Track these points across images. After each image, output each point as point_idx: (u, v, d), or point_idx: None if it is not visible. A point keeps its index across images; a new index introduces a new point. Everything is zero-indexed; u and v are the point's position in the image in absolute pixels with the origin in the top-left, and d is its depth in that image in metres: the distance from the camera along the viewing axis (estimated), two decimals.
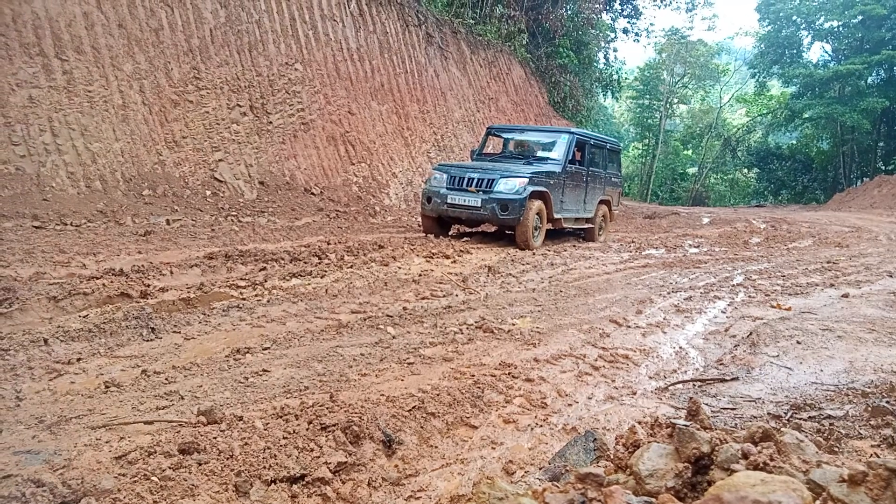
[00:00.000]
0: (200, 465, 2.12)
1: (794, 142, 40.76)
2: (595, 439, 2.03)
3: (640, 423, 1.83)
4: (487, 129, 11.77)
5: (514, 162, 10.27)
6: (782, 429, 1.56)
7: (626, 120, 48.85)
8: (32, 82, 8.37)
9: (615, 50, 30.28)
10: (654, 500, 1.28)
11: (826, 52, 36.64)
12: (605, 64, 29.04)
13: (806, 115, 35.14)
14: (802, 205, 33.70)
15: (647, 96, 42.08)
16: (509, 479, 2.35)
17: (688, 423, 1.54)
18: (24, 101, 8.23)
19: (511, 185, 9.06)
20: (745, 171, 43.07)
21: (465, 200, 9.18)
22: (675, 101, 41.80)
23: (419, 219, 12.24)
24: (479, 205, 9.05)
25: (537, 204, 9.26)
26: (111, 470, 2.06)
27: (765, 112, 40.22)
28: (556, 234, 10.94)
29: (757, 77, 38.17)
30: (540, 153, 10.60)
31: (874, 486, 1.13)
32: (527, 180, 9.13)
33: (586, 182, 10.76)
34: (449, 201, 9.29)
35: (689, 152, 44.98)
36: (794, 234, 13.88)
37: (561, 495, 1.26)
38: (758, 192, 41.71)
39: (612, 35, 29.16)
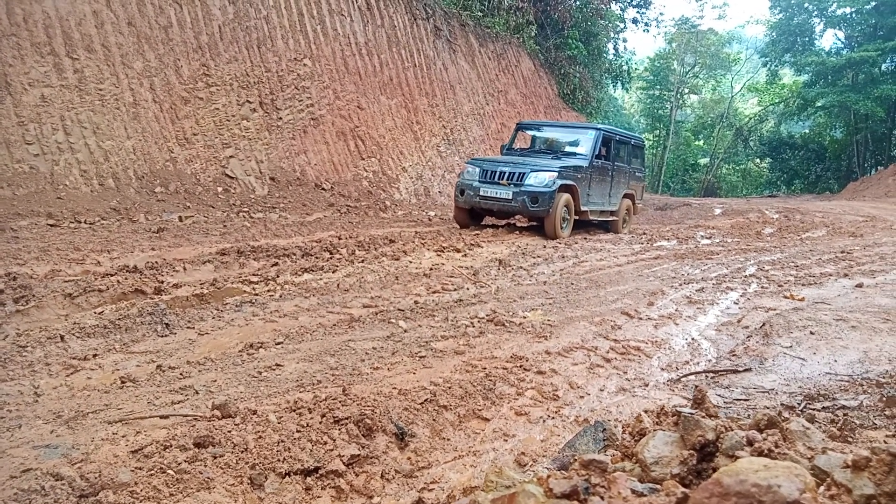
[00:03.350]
0: (215, 458, 2.14)
1: (807, 131, 40.29)
2: (604, 429, 2.04)
3: (646, 411, 1.83)
4: (517, 124, 12.24)
5: (542, 156, 10.67)
6: (789, 416, 1.56)
7: (636, 111, 48.52)
8: (44, 81, 8.43)
9: (625, 40, 29.90)
10: (658, 486, 1.29)
11: (839, 40, 36.16)
12: (614, 55, 28.76)
13: (819, 104, 34.70)
14: (816, 194, 33.35)
15: (658, 87, 41.74)
16: (521, 470, 2.36)
17: (693, 412, 1.55)
18: (36, 100, 8.30)
19: (541, 178, 9.46)
20: (758, 161, 42.65)
21: (496, 193, 9.59)
22: (686, 91, 41.43)
23: (429, 213, 12.29)
24: (511, 197, 9.47)
25: (565, 197, 9.67)
26: (128, 463, 2.09)
27: (777, 101, 39.76)
28: (583, 226, 11.15)
29: (769, 66, 37.73)
30: (568, 148, 10.96)
31: (877, 470, 1.13)
32: (556, 174, 9.53)
33: (611, 176, 11.15)
34: (481, 194, 9.69)
35: (701, 143, 44.61)
36: (808, 224, 13.75)
37: (565, 481, 1.27)
38: (770, 182, 41.32)
39: (622, 25, 28.87)
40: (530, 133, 12.23)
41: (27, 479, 1.97)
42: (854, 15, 33.04)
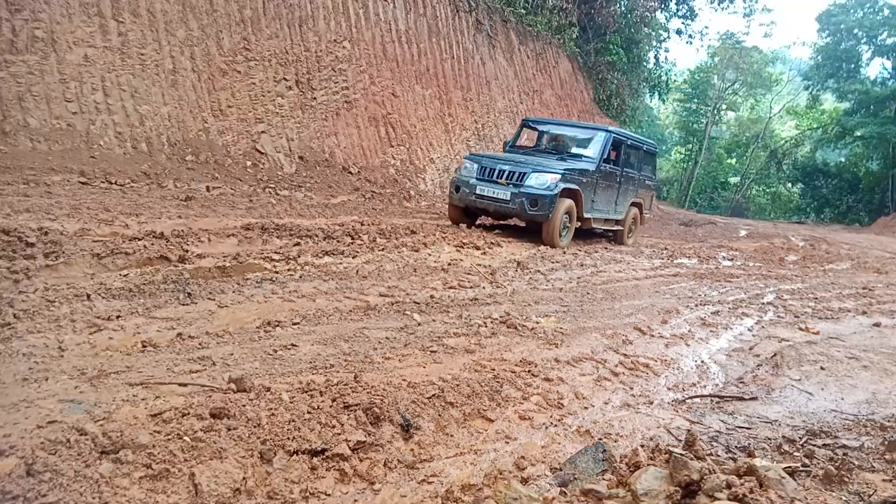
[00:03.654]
0: (229, 430, 2.23)
1: (843, 160, 39.61)
2: (604, 450, 2.14)
3: (642, 446, 1.99)
4: (522, 120, 11.58)
5: (547, 156, 9.95)
6: (767, 465, 1.68)
7: (670, 123, 48.01)
8: (89, 41, 8.60)
9: (667, 50, 29.66)
10: None
11: (886, 69, 35.46)
12: (654, 64, 28.52)
13: (858, 134, 34.09)
14: (845, 225, 32.84)
15: (695, 100, 41.25)
16: (520, 473, 2.42)
17: (683, 452, 1.69)
18: (79, 59, 8.47)
19: (542, 180, 8.83)
20: (789, 185, 42.05)
21: (494, 192, 8.97)
22: (724, 107, 40.91)
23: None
24: (508, 198, 8.85)
25: (567, 202, 9.06)
26: (147, 426, 2.19)
27: (815, 126, 39.13)
28: (585, 234, 10.80)
29: (811, 90, 37.16)
30: (574, 149, 10.24)
31: None
32: (559, 176, 8.89)
33: (619, 183, 10.51)
34: (478, 192, 9.08)
35: (733, 161, 44.07)
36: (833, 255, 13.59)
37: None
38: (800, 209, 40.74)
39: (665, 35, 28.59)
40: (537, 130, 11.34)
41: (53, 430, 2.07)
42: None
